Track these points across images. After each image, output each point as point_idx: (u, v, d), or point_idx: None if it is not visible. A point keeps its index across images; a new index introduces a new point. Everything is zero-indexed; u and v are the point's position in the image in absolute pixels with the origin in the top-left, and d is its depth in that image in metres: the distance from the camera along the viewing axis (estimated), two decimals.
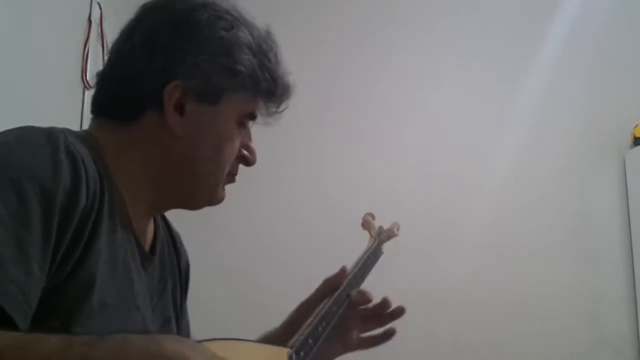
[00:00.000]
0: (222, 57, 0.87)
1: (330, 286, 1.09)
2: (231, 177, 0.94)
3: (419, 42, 2.80)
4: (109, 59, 0.91)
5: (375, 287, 1.20)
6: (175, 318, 0.99)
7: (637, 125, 2.60)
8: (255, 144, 0.98)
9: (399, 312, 1.11)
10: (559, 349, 2.46)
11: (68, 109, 2.00)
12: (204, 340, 0.65)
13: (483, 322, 2.50)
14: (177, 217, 1.06)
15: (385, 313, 1.11)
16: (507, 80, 2.73)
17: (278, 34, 0.95)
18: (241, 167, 0.97)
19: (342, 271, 1.11)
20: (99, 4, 2.13)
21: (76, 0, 2.08)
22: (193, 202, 0.95)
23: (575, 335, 2.48)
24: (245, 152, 0.94)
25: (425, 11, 2.83)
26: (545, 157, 2.66)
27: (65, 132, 0.78)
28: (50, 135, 0.74)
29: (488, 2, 2.83)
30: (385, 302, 1.11)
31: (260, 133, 1.01)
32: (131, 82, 0.86)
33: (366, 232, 1.32)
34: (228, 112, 0.89)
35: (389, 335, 1.12)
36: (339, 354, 1.10)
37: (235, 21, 0.90)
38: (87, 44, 2.07)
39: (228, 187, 0.97)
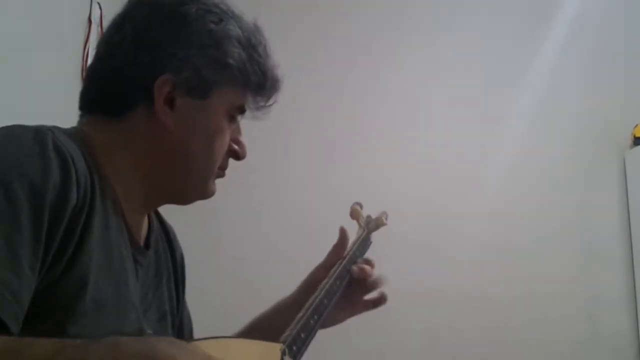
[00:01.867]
0: (212, 50, 0.87)
1: (338, 249, 1.17)
2: (221, 172, 0.94)
3: (421, 42, 2.80)
4: (97, 53, 0.91)
5: None
6: (171, 312, 0.98)
7: (637, 125, 2.60)
8: (256, 139, 0.97)
9: (379, 280, 1.19)
10: (559, 349, 2.46)
11: (68, 109, 2.00)
12: (196, 340, 0.65)
13: (483, 321, 2.50)
14: (176, 212, 1.06)
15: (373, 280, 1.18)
16: (507, 80, 2.73)
17: (287, 34, 0.95)
18: (242, 162, 0.97)
19: (342, 232, 1.18)
20: (99, 4, 2.13)
21: (76, 0, 2.09)
22: (184, 196, 0.94)
23: (575, 335, 2.48)
24: (235, 146, 0.94)
25: (428, 12, 2.83)
26: (545, 157, 2.66)
27: (54, 129, 0.77)
28: (38, 133, 0.74)
29: (489, 2, 2.84)
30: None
31: (262, 129, 1.01)
32: (121, 76, 0.86)
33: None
34: (218, 105, 0.89)
35: (382, 299, 1.18)
36: (348, 316, 1.17)
37: (224, 14, 0.89)
38: (87, 44, 2.07)
39: (229, 182, 0.97)
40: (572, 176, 2.64)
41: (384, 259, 1.33)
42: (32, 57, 1.76)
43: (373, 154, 2.68)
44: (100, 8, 2.14)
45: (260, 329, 1.09)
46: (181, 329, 1.06)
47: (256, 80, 0.91)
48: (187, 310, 1.11)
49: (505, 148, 2.67)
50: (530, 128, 2.68)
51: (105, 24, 2.13)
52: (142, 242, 0.92)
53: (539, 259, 2.56)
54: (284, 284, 1.20)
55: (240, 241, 2.57)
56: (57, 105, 1.92)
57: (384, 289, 1.18)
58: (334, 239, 1.24)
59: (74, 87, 2.02)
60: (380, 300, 1.18)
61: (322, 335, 0.95)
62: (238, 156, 0.95)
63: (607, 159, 2.65)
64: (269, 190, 2.64)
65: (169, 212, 1.06)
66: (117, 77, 0.86)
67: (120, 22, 0.90)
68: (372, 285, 1.17)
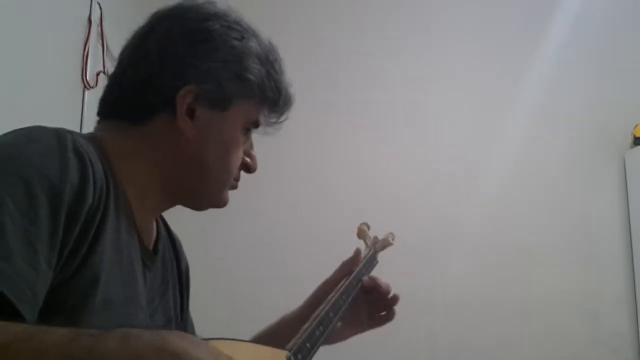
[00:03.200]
0: (234, 65, 0.90)
1: (347, 267, 1.21)
2: (235, 183, 0.96)
3: (419, 43, 2.80)
4: (120, 63, 0.93)
5: None
6: (175, 319, 0.99)
7: (637, 125, 2.60)
8: (256, 144, 0.99)
9: (396, 299, 1.23)
10: (559, 349, 2.47)
11: (68, 108, 2.00)
12: (204, 339, 0.65)
13: (483, 322, 2.50)
14: (176, 216, 1.06)
15: (388, 298, 1.23)
16: (507, 79, 2.73)
17: (280, 35, 0.98)
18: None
19: (357, 254, 1.23)
20: (99, 4, 2.13)
21: (76, 0, 2.09)
22: (199, 203, 0.97)
23: (575, 335, 2.49)
24: (247, 159, 0.97)
25: (425, 11, 2.83)
26: (546, 157, 2.66)
27: (73, 132, 0.80)
28: (59, 135, 0.76)
29: (488, 2, 2.83)
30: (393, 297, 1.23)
31: (260, 134, 1.01)
32: (145, 85, 0.89)
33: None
34: (236, 118, 0.92)
35: (391, 316, 1.22)
36: (353, 334, 1.21)
37: (245, 32, 0.93)
38: (87, 44, 2.07)
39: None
40: (573, 176, 2.64)
41: (385, 264, 1.34)
42: (32, 57, 1.76)
43: (373, 158, 2.68)
44: (100, 8, 2.14)
45: (265, 342, 1.10)
46: None
47: (272, 96, 0.94)
48: (191, 320, 1.12)
49: (506, 149, 2.68)
50: (530, 128, 2.69)
51: (105, 24, 2.15)
52: (151, 248, 0.94)
53: (539, 259, 2.56)
54: (285, 288, 1.21)
55: (242, 246, 2.58)
56: (57, 105, 1.92)
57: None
58: (334, 242, 1.25)
59: (74, 87, 2.03)
60: (387, 317, 1.22)
61: None
62: (249, 169, 0.97)
63: (607, 159, 2.65)
64: (272, 196, 2.64)
65: (173, 216, 1.06)
66: (142, 87, 0.89)
67: (145, 35, 0.92)
68: (381, 304, 1.22)
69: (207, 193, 0.94)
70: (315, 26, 2.81)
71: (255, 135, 1.00)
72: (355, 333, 1.21)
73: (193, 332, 1.11)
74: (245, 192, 2.39)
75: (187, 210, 0.98)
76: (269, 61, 0.94)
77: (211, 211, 1.00)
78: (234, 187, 0.97)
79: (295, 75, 1.00)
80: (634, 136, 2.61)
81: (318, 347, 0.89)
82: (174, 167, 0.90)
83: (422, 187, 2.62)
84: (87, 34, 2.08)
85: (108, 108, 0.92)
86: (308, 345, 0.85)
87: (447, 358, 2.49)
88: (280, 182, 2.65)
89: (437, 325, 2.50)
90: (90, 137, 0.85)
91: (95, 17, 2.12)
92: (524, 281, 2.53)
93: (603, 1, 2.79)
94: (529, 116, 2.69)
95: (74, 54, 2.04)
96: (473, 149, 2.68)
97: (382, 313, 1.23)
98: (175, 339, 0.58)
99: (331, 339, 1.06)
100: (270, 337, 1.12)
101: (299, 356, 0.81)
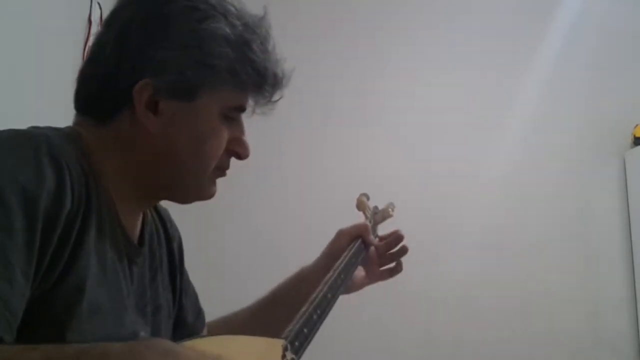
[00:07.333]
0: (195, 51, 0.83)
1: (359, 228, 1.24)
2: (221, 172, 0.91)
3: (420, 41, 2.80)
4: (88, 54, 0.89)
5: (375, 286, 1.27)
6: (167, 305, 0.97)
7: (637, 125, 2.60)
8: (253, 137, 0.96)
9: (404, 250, 1.27)
10: (559, 349, 2.46)
11: (67, 109, 2.00)
12: (196, 338, 0.65)
13: (483, 322, 2.50)
14: (175, 210, 1.05)
15: (395, 251, 1.27)
16: (507, 79, 2.73)
17: (279, 32, 0.93)
18: (238, 161, 0.95)
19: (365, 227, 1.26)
20: (99, 3, 2.13)
21: (76, 0, 2.09)
22: (182, 197, 0.92)
23: (575, 335, 2.48)
24: (237, 146, 0.91)
25: (425, 10, 2.83)
26: (546, 157, 2.66)
27: (48, 133, 0.76)
28: (32, 138, 0.72)
29: (488, 1, 2.84)
30: (398, 236, 1.28)
31: (260, 127, 1.00)
32: (104, 80, 0.84)
33: (361, 214, 1.32)
34: (208, 107, 0.86)
35: (399, 268, 1.27)
36: (366, 284, 1.26)
37: (211, 11, 0.85)
38: (87, 44, 2.07)
39: (224, 180, 0.95)
40: (573, 176, 2.64)
41: None
42: (32, 57, 1.76)
43: (371, 153, 2.68)
44: (100, 8, 2.14)
45: (286, 297, 1.14)
46: (182, 314, 1.05)
47: (251, 80, 0.87)
48: (192, 292, 1.09)
49: (506, 149, 2.68)
50: (530, 129, 2.69)
51: None
52: (136, 240, 0.91)
53: (539, 259, 2.56)
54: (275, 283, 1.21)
55: (238, 238, 2.57)
56: (57, 105, 1.92)
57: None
58: (327, 238, 1.25)
59: (74, 87, 2.03)
60: (396, 269, 1.26)
61: (324, 337, 0.95)
62: (240, 156, 0.92)
63: (607, 159, 2.65)
64: (269, 188, 2.64)
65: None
66: (101, 82, 0.85)
67: (107, 25, 0.88)
68: (391, 257, 1.26)
69: (186, 187, 0.89)
70: (317, 24, 2.81)
71: (257, 133, 0.98)
72: (370, 283, 1.26)
73: (194, 304, 1.09)
74: (245, 186, 2.39)
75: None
76: (244, 41, 0.85)
77: (211, 209, 0.99)
78: (222, 175, 0.91)
79: (296, 70, 0.95)
80: (634, 136, 2.61)
81: (316, 331, 0.87)
82: (145, 163, 0.86)
83: (422, 186, 2.62)
84: (87, 34, 2.08)
85: (79, 103, 0.88)
86: (305, 330, 0.83)
87: (447, 357, 2.49)
88: (280, 176, 2.66)
89: (436, 323, 2.50)
90: (69, 133, 0.82)
91: (95, 17, 2.11)
92: (523, 281, 2.52)
93: (603, 1, 2.79)
94: (529, 116, 2.69)
95: (74, 54, 2.04)
96: (473, 148, 2.67)
97: (391, 265, 1.26)
98: (154, 355, 0.56)
99: (349, 289, 1.13)
100: (293, 292, 1.12)
101: (296, 343, 0.79)
